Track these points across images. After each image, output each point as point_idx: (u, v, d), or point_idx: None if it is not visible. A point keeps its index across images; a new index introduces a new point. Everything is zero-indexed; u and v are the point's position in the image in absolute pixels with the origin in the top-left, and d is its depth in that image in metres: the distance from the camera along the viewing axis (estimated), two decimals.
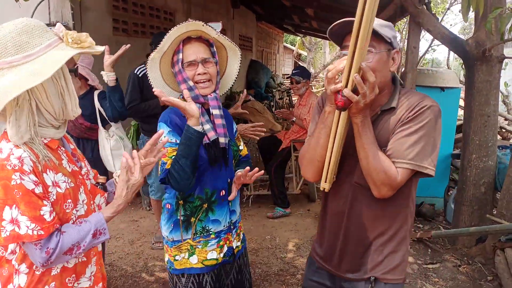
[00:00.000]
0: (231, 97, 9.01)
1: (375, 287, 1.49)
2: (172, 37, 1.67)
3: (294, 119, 4.77)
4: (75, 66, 2.41)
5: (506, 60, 3.76)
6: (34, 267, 1.25)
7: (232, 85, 1.97)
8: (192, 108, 1.62)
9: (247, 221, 4.54)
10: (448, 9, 8.08)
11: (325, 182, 1.45)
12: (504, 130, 6.88)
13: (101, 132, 2.80)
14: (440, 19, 4.94)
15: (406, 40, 5.21)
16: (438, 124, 1.37)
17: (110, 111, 2.71)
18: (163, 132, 1.53)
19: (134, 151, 1.40)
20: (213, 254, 1.82)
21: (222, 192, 1.82)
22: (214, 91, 1.75)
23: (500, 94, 4.37)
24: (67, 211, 1.28)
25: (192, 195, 1.77)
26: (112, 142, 2.79)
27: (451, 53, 6.58)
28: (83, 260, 1.37)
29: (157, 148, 1.47)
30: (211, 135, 1.71)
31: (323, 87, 15.81)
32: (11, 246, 1.25)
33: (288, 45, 24.81)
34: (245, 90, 2.43)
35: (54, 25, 3.99)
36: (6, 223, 1.14)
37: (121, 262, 3.59)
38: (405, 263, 1.53)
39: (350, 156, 1.43)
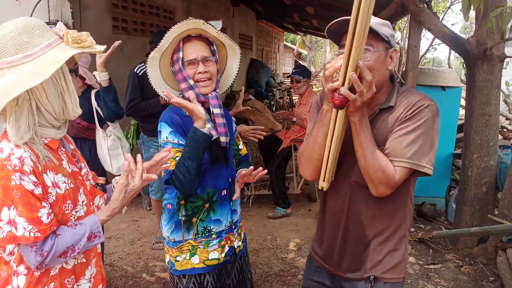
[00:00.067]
0: (231, 96, 8.99)
1: (374, 286, 1.49)
2: (172, 36, 1.66)
3: (294, 119, 4.76)
4: (76, 66, 2.39)
5: (507, 59, 3.74)
6: None
7: (232, 83, 1.96)
8: (200, 110, 1.62)
9: (247, 221, 4.53)
10: (449, 8, 8.06)
11: (324, 181, 1.45)
12: (505, 130, 6.86)
13: (99, 131, 2.79)
14: (441, 18, 4.92)
15: (407, 39, 5.20)
16: (436, 123, 1.37)
17: (105, 111, 2.71)
18: (170, 149, 1.53)
19: (139, 155, 1.40)
20: (214, 254, 1.81)
21: (224, 192, 1.81)
22: (215, 90, 1.75)
23: (501, 93, 4.36)
24: (66, 212, 1.27)
25: (194, 195, 1.76)
26: (109, 142, 2.77)
27: (452, 52, 6.56)
28: (82, 261, 1.36)
29: (161, 163, 1.46)
30: (212, 134, 1.70)
31: None
32: (9, 247, 1.24)
33: (289, 44, 24.79)
34: (243, 88, 2.41)
35: (54, 23, 4.00)
36: (4, 223, 1.13)
37: (122, 262, 3.58)
38: (404, 262, 1.53)
39: (349, 155, 1.43)
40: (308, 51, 24.46)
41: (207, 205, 1.78)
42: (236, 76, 1.93)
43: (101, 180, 1.62)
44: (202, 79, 1.70)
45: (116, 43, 2.54)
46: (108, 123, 2.83)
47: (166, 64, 1.77)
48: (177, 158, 1.66)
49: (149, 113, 3.46)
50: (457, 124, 4.67)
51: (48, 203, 1.20)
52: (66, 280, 1.31)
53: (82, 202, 1.35)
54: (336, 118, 1.33)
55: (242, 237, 1.98)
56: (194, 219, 1.78)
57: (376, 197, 1.39)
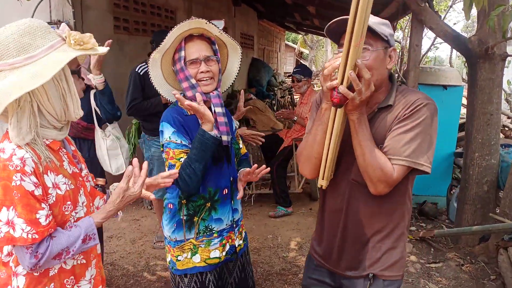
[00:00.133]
0: (232, 95, 8.99)
1: (373, 284, 1.50)
2: (175, 35, 1.66)
3: (295, 118, 4.75)
4: (78, 68, 2.39)
5: (509, 58, 3.73)
6: None
7: (234, 83, 1.96)
8: (209, 113, 1.63)
9: (249, 220, 4.53)
10: (451, 6, 8.04)
11: (323, 179, 1.46)
12: (507, 129, 6.85)
13: (98, 131, 2.79)
14: (442, 17, 4.92)
15: (408, 38, 5.19)
16: (434, 121, 1.38)
17: (102, 113, 2.72)
18: (176, 174, 1.58)
19: (146, 162, 1.40)
20: (215, 253, 1.82)
21: (225, 191, 1.82)
22: (216, 89, 1.75)
23: (503, 92, 4.35)
24: (66, 213, 1.27)
25: (195, 194, 1.77)
26: (108, 142, 2.78)
27: (454, 51, 6.55)
28: (82, 262, 1.36)
29: (161, 183, 1.51)
30: (216, 134, 1.71)
31: None
32: (8, 248, 1.24)
33: (290, 43, 24.77)
34: (242, 91, 2.42)
35: (56, 23, 4.00)
36: (2, 224, 1.13)
37: (123, 261, 3.59)
38: (403, 260, 1.54)
39: (347, 153, 1.44)
40: (310, 50, 24.45)
41: (208, 204, 1.79)
42: (237, 75, 1.94)
43: (101, 181, 1.62)
44: (204, 78, 1.70)
45: (107, 42, 2.54)
46: (107, 123, 2.84)
47: (167, 64, 1.77)
48: (182, 159, 1.66)
49: (151, 112, 3.46)
50: (458, 123, 4.66)
51: (47, 204, 1.20)
52: (65, 281, 1.31)
53: (82, 203, 1.35)
54: (335, 117, 1.33)
55: (243, 235, 1.98)
56: (196, 218, 1.79)
57: (374, 195, 1.40)
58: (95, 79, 2.60)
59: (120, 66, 4.81)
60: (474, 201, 3.71)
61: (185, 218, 1.79)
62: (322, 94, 1.41)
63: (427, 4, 3.72)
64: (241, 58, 1.89)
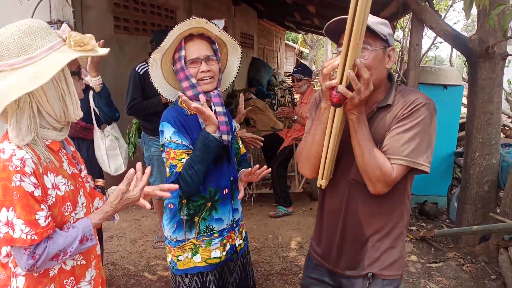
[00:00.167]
0: (232, 95, 8.99)
1: (372, 283, 1.50)
2: (175, 34, 1.66)
3: (295, 117, 4.75)
4: (79, 69, 2.39)
5: (509, 58, 3.73)
6: None
7: (234, 82, 1.96)
8: (214, 116, 1.65)
9: (249, 220, 4.53)
10: (451, 6, 8.03)
11: (322, 179, 1.46)
12: (507, 128, 6.84)
13: (97, 132, 2.79)
14: (442, 16, 4.91)
15: (408, 38, 5.19)
16: (433, 121, 1.38)
17: (101, 114, 2.72)
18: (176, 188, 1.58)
19: (149, 167, 1.40)
20: (216, 253, 1.82)
21: (225, 191, 1.82)
22: (216, 88, 1.75)
23: (503, 91, 4.35)
24: (66, 214, 1.27)
25: (196, 194, 1.77)
26: (107, 142, 2.78)
27: (454, 50, 6.54)
28: (82, 263, 1.36)
29: (156, 194, 1.51)
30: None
31: None
32: (6, 249, 1.24)
33: (290, 43, 24.76)
34: (241, 94, 2.42)
35: (56, 23, 4.00)
36: (2, 224, 1.13)
37: (123, 261, 3.59)
38: (402, 259, 1.54)
39: (346, 153, 1.44)
40: (310, 50, 24.45)
41: (209, 204, 1.79)
42: (237, 75, 1.94)
43: (100, 182, 1.62)
44: (205, 78, 1.70)
45: (100, 43, 2.52)
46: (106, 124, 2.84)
47: (167, 63, 1.77)
48: (183, 160, 1.66)
49: (151, 112, 3.46)
50: (459, 122, 4.66)
51: (46, 205, 1.20)
52: (65, 281, 1.31)
53: (82, 204, 1.35)
54: (334, 116, 1.33)
55: (244, 235, 1.98)
56: (196, 218, 1.79)
57: (374, 195, 1.40)
58: (92, 81, 2.59)
59: (120, 66, 4.81)
60: (475, 200, 3.71)
61: (185, 218, 1.79)
62: (321, 94, 1.41)
63: (427, 3, 3.72)
64: (241, 58, 1.89)
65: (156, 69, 1.77)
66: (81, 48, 1.20)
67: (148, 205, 1.43)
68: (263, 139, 2.59)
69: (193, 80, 1.69)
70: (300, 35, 22.45)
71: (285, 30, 17.90)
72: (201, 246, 1.80)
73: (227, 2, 9.22)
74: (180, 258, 1.81)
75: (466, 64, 3.98)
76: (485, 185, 3.66)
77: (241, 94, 2.36)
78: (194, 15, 1.74)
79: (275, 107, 10.38)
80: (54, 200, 1.22)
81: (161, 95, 1.85)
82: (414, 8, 3.75)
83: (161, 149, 1.74)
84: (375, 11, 5.27)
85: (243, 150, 2.03)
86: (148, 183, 3.78)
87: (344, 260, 1.55)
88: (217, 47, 1.77)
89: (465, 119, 4.07)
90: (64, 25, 1.26)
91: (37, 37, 1.16)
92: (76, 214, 1.31)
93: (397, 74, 5.44)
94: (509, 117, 7.59)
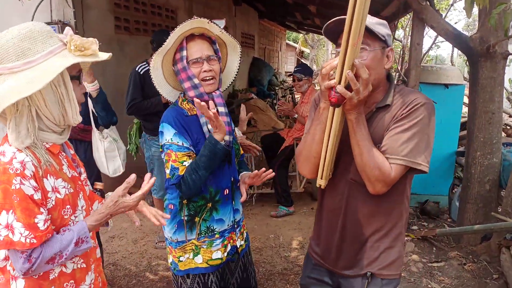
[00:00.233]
0: (233, 94, 8.99)
1: (371, 283, 1.51)
2: (177, 35, 1.66)
3: (296, 115, 4.75)
4: (79, 73, 2.39)
5: (510, 57, 3.72)
6: None
7: (234, 82, 1.96)
8: (224, 124, 1.64)
9: (250, 220, 4.53)
10: (452, 5, 8.01)
11: (321, 178, 1.46)
12: (508, 127, 6.84)
13: (95, 133, 2.79)
14: (443, 16, 4.90)
15: (409, 37, 5.18)
16: (431, 121, 1.39)
17: (98, 118, 2.72)
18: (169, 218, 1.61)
19: (152, 176, 1.40)
20: (217, 254, 1.82)
21: (226, 191, 1.81)
22: (218, 89, 1.75)
23: (504, 91, 4.34)
24: (65, 217, 1.26)
25: (196, 194, 1.76)
26: (106, 144, 2.78)
27: (455, 49, 6.54)
28: (82, 266, 1.36)
29: (149, 216, 1.54)
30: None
31: None
32: (4, 252, 1.23)
33: (291, 43, 24.76)
34: (243, 105, 2.41)
35: (56, 23, 3.99)
36: (2, 227, 1.13)
37: (125, 261, 3.59)
38: (400, 259, 1.54)
39: (346, 153, 1.44)
40: (311, 50, 24.43)
41: (209, 205, 1.78)
42: (236, 74, 1.94)
43: (100, 185, 1.62)
44: (207, 78, 1.70)
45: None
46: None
47: (168, 64, 1.77)
48: (185, 163, 1.66)
49: (151, 112, 3.46)
50: (460, 121, 4.65)
51: (46, 209, 1.19)
52: (65, 284, 1.31)
53: (82, 207, 1.34)
54: (333, 116, 1.33)
55: (245, 236, 1.98)
56: (197, 219, 1.78)
57: (373, 195, 1.41)
58: (88, 87, 2.59)
59: (120, 66, 4.81)
60: (476, 200, 3.70)
61: (186, 218, 1.79)
62: (320, 94, 1.41)
63: (428, 2, 3.71)
64: (240, 57, 1.89)
65: (157, 69, 1.76)
66: (81, 52, 1.19)
67: (137, 222, 1.43)
68: (260, 149, 2.59)
69: (196, 81, 1.68)
70: (301, 35, 22.44)
71: (286, 30, 17.91)
72: (203, 247, 1.80)
73: (228, 2, 9.22)
74: (181, 259, 1.81)
75: (467, 63, 3.98)
76: (487, 184, 3.66)
77: (243, 106, 2.36)
78: (195, 15, 1.74)
79: (276, 107, 10.37)
80: (54, 203, 1.22)
81: (161, 95, 1.85)
82: (415, 7, 3.74)
83: (161, 150, 1.74)
84: (375, 11, 5.26)
85: (241, 151, 2.03)
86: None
87: (343, 260, 1.56)
88: (217, 47, 1.77)
89: (466, 119, 4.07)
90: (67, 28, 1.25)
91: (37, 41, 1.16)
92: (75, 217, 1.30)
93: (398, 74, 5.43)
94: (510, 116, 7.58)
